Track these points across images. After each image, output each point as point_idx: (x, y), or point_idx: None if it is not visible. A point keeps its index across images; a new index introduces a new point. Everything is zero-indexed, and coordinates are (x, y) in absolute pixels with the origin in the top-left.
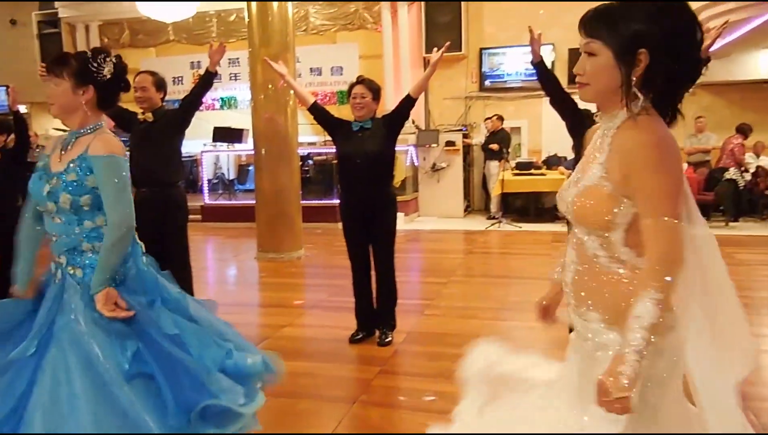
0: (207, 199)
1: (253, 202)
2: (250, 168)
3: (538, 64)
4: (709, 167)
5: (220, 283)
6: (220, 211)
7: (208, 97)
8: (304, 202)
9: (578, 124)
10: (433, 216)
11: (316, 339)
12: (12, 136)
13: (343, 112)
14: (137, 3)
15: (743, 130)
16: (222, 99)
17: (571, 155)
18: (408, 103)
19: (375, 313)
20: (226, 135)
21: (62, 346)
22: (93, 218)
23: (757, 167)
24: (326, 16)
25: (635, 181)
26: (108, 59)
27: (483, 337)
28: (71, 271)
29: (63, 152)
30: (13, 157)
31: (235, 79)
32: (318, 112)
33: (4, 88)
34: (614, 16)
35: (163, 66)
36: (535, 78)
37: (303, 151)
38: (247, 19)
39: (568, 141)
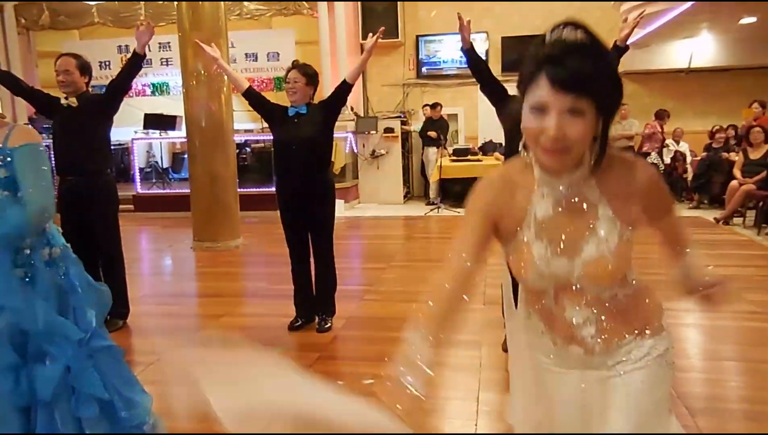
0: (139, 189)
1: (189, 190)
2: (185, 156)
3: (468, 50)
4: (633, 152)
5: (156, 273)
6: (153, 200)
7: (138, 83)
8: (242, 190)
9: (506, 109)
10: (373, 202)
11: (254, 327)
12: None
13: (280, 97)
14: None
15: (661, 116)
16: (153, 84)
17: None
18: (344, 88)
19: (314, 300)
20: (158, 122)
21: None
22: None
23: (676, 152)
24: (261, 2)
25: (653, 206)
26: None
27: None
28: (22, 275)
29: None
30: None
31: (167, 65)
32: (253, 98)
33: None
34: (599, 68)
35: (88, 49)
36: None
37: (239, 138)
38: (176, 2)
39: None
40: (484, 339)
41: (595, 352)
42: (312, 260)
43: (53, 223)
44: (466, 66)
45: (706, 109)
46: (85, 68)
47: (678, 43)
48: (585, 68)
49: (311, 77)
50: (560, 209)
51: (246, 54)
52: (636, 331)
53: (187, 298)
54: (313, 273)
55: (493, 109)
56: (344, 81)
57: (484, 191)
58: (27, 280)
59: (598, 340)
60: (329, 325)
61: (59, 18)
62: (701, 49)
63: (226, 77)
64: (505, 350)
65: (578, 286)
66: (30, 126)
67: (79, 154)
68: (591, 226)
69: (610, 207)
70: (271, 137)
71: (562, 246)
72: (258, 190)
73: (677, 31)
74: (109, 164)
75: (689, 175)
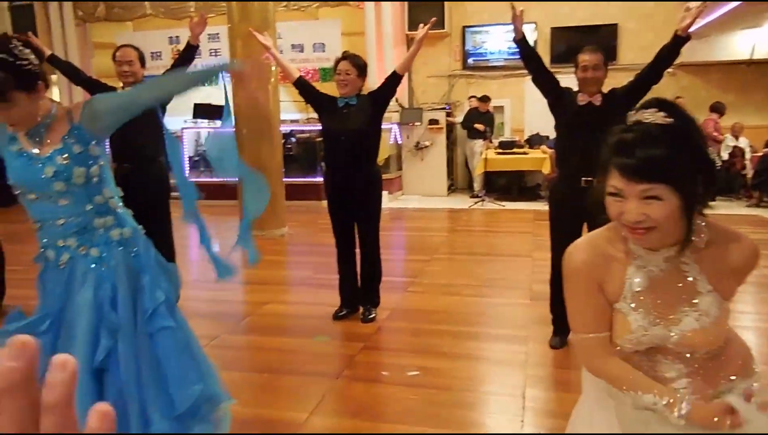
0: (188, 177)
1: (236, 179)
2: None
3: (521, 41)
4: None
5: (203, 260)
6: (201, 188)
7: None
8: (287, 179)
9: (559, 101)
10: (416, 194)
11: (299, 316)
12: None
13: (326, 88)
14: None
15: (717, 109)
16: None
17: (553, 134)
18: (394, 80)
19: (359, 290)
20: (206, 112)
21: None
22: (101, 191)
23: (734, 147)
24: None
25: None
26: (21, 47)
27: (464, 314)
28: (83, 252)
29: (39, 141)
30: None
31: (215, 55)
32: (303, 88)
33: None
34: (674, 154)
35: (141, 40)
36: (517, 56)
37: (286, 128)
38: None
39: (551, 120)
40: (530, 335)
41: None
42: (358, 251)
43: (124, 207)
44: (513, 57)
45: None
46: (142, 59)
47: (739, 33)
48: (656, 156)
49: (362, 68)
50: (658, 282)
51: (292, 45)
52: (730, 377)
53: (233, 285)
54: (358, 263)
55: (543, 101)
56: (394, 72)
57: (579, 258)
58: (100, 258)
59: (691, 392)
60: (374, 315)
61: (114, 10)
62: (764, 39)
63: (273, 68)
64: (553, 347)
65: (672, 349)
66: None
67: (135, 142)
68: (690, 299)
69: (710, 282)
70: (317, 128)
71: (658, 316)
72: (303, 179)
73: (739, 20)
74: (163, 152)
75: (749, 172)
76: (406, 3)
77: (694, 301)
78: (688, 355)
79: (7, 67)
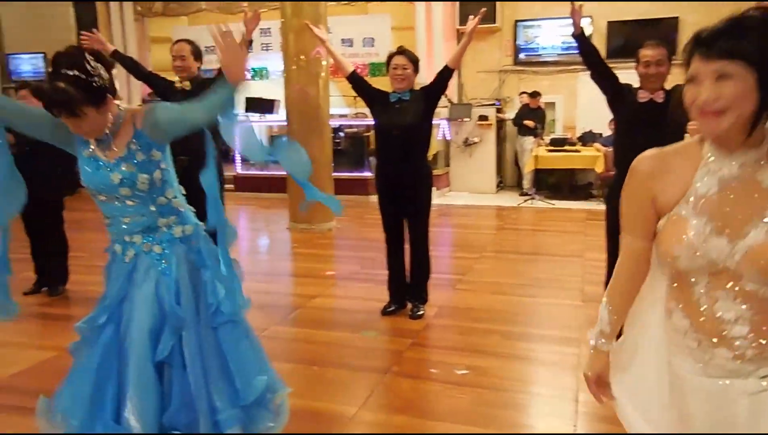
0: (239, 169)
1: (285, 172)
2: (283, 138)
3: (579, 36)
4: None
5: (253, 252)
6: (252, 181)
7: None
8: (335, 174)
9: (619, 98)
10: (464, 191)
11: (347, 310)
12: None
13: (375, 83)
14: None
15: None
16: (254, 69)
17: (607, 132)
18: (446, 74)
19: (407, 286)
20: (257, 105)
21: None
22: (164, 193)
23: None
24: None
25: None
26: (94, 63)
27: (514, 313)
28: (146, 249)
29: (107, 146)
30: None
31: (267, 50)
32: (356, 82)
33: (42, 55)
34: (758, 31)
35: (195, 35)
36: (571, 52)
37: (334, 123)
38: None
39: (604, 117)
40: (583, 337)
41: (745, 358)
42: (406, 247)
43: (186, 205)
44: (566, 53)
45: None
46: (198, 53)
47: None
48: (733, 33)
49: (416, 63)
50: (727, 188)
51: (342, 39)
52: None
53: (281, 277)
54: (407, 259)
55: (596, 97)
56: (446, 66)
57: (641, 166)
58: (163, 254)
59: (751, 343)
60: (422, 312)
61: (171, 5)
62: None
63: (324, 62)
64: None
65: (734, 274)
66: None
67: (191, 135)
68: (762, 212)
69: None
70: (366, 122)
71: (723, 226)
72: (351, 174)
73: None
74: (218, 145)
75: None
76: None
77: (765, 211)
78: (747, 291)
79: (79, 83)
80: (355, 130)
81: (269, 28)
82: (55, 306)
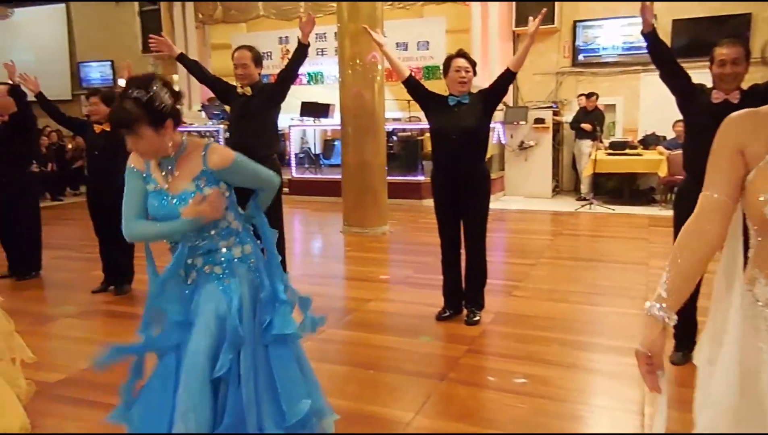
0: (294, 173)
1: (339, 176)
2: (336, 143)
3: (650, 33)
4: None
5: (307, 255)
6: (306, 184)
7: None
8: (388, 177)
9: (691, 99)
10: (519, 195)
11: (402, 314)
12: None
13: (429, 86)
14: None
15: None
16: (309, 74)
17: (671, 134)
18: (508, 77)
19: (462, 292)
20: (313, 110)
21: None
22: (225, 217)
23: None
24: None
25: None
26: (161, 87)
27: (573, 321)
28: (208, 271)
29: (169, 176)
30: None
31: (322, 54)
32: (413, 86)
33: (110, 62)
34: None
35: (253, 41)
36: (633, 52)
37: (388, 126)
38: None
39: (668, 119)
40: None
41: None
42: (462, 252)
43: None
44: (629, 53)
45: None
46: (258, 60)
47: None
48: None
49: (475, 66)
50: None
51: (396, 43)
52: None
53: (335, 280)
54: (462, 264)
55: (660, 99)
56: (507, 69)
57: (733, 122)
58: (223, 274)
59: None
60: (478, 318)
61: (230, 12)
62: None
63: (380, 66)
64: (674, 363)
65: None
66: (217, 141)
67: (252, 139)
68: None
69: None
70: (419, 126)
71: None
72: (403, 178)
73: None
74: (277, 149)
75: None
76: None
77: None
78: None
79: (141, 103)
80: (408, 133)
81: (324, 33)
82: (121, 304)
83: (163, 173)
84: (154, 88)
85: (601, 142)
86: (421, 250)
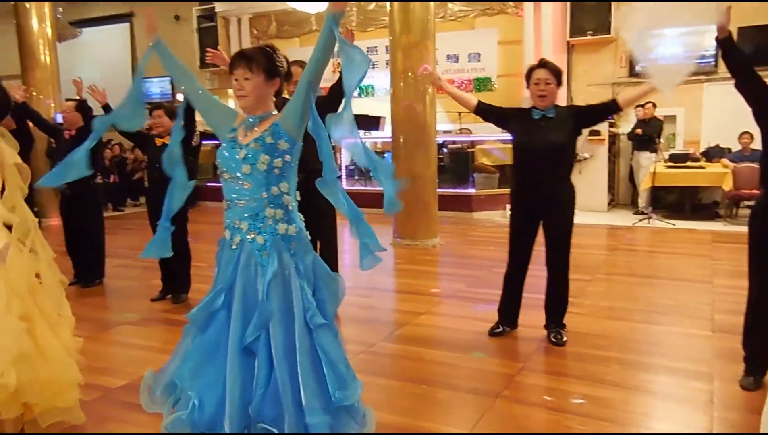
0: (345, 185)
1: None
2: (386, 155)
3: (726, 39)
4: None
5: (356, 266)
6: (357, 196)
7: None
8: (439, 190)
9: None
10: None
11: (454, 329)
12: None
13: (480, 98)
14: None
15: None
16: (360, 87)
17: (736, 146)
18: (611, 109)
19: (519, 309)
20: (364, 122)
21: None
22: (278, 184)
23: None
24: (465, 3)
25: None
26: (281, 56)
27: (633, 341)
28: (251, 237)
29: (248, 131)
30: (182, 142)
31: (373, 67)
32: (485, 111)
33: (169, 78)
34: None
35: (306, 55)
36: (696, 61)
37: (438, 139)
38: (388, 7)
39: (734, 131)
40: (716, 371)
41: None
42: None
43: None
44: (695, 62)
45: None
46: None
47: None
48: None
49: (560, 76)
50: None
51: (447, 55)
52: None
53: (385, 293)
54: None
55: (724, 109)
56: (615, 102)
57: None
58: (264, 246)
59: None
60: (566, 338)
61: (284, 28)
62: None
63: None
64: (745, 388)
65: None
66: None
67: (308, 153)
68: None
69: None
70: (469, 138)
71: None
72: (454, 190)
73: None
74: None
75: None
76: (568, 7)
77: None
78: None
79: (266, 53)
80: (458, 146)
81: (375, 47)
82: (179, 312)
83: (246, 130)
84: (277, 52)
85: (659, 153)
86: (472, 264)
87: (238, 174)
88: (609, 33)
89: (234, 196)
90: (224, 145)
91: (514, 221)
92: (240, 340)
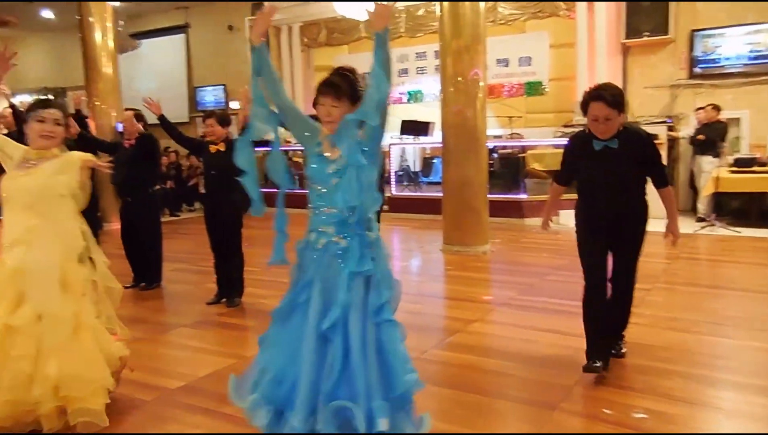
0: (394, 191)
1: (438, 194)
2: (435, 161)
3: None
4: None
5: (406, 273)
6: (406, 202)
7: (396, 91)
8: (489, 196)
9: None
10: None
11: (508, 337)
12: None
13: (530, 103)
14: (334, 3)
15: None
16: (409, 93)
17: None
18: (656, 186)
19: (611, 340)
20: (413, 128)
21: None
22: (360, 196)
23: None
24: (516, 6)
25: None
26: (360, 77)
27: (698, 354)
28: (335, 240)
29: (334, 146)
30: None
31: (422, 73)
32: (564, 179)
33: (222, 86)
34: None
35: (355, 62)
36: (761, 61)
37: (489, 144)
38: (438, 12)
39: None
40: None
41: None
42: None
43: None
44: (754, 62)
45: None
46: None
47: None
48: None
49: (620, 103)
50: None
51: (497, 60)
52: None
53: (435, 300)
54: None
55: None
56: (663, 188)
57: None
58: (348, 248)
59: None
60: (625, 350)
61: (334, 35)
62: None
63: (482, 83)
64: None
65: None
66: None
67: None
68: None
69: None
70: (520, 143)
71: None
72: (505, 196)
73: None
74: (381, 169)
75: None
76: (624, 8)
77: None
78: None
79: (349, 80)
80: (509, 151)
81: (424, 52)
82: (233, 316)
83: (332, 146)
84: (357, 76)
85: (722, 157)
86: (524, 271)
87: (327, 185)
88: (667, 34)
89: (321, 203)
90: (312, 158)
91: (582, 238)
92: (317, 328)
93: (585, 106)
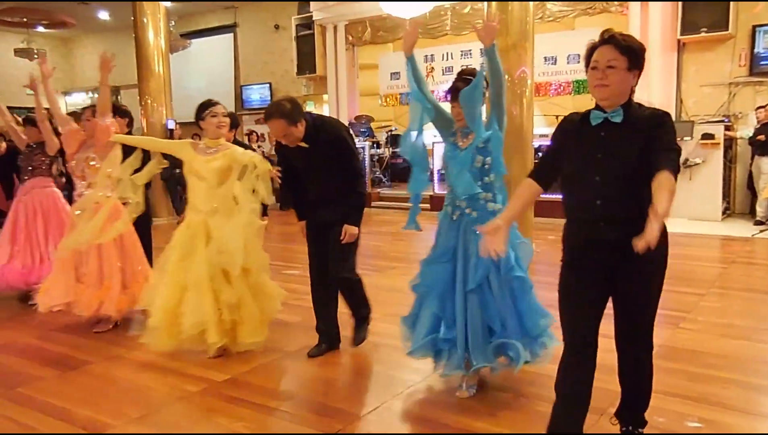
0: (437, 189)
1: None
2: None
3: None
4: None
5: None
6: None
7: (440, 91)
8: None
9: None
10: (682, 217)
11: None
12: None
13: (578, 101)
14: (381, 3)
15: None
16: None
17: None
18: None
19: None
20: None
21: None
22: (488, 174)
23: None
24: (565, 2)
25: None
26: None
27: (756, 362)
28: (468, 212)
29: (464, 138)
30: None
31: None
32: (548, 163)
33: (268, 84)
34: None
35: (400, 60)
36: None
37: (535, 143)
38: (485, 9)
39: None
40: None
41: None
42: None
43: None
44: None
45: None
46: None
47: None
48: None
49: (636, 56)
50: None
51: (545, 57)
52: None
53: None
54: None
55: None
56: (662, 174)
57: None
58: (478, 218)
59: None
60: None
61: (378, 33)
62: None
63: (529, 81)
64: None
65: None
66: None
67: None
68: None
69: None
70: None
71: None
72: (550, 196)
73: None
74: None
75: None
76: (680, 4)
77: None
78: None
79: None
80: None
81: (470, 50)
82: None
83: (461, 137)
84: (479, 74)
85: None
86: None
87: (463, 169)
88: (727, 29)
89: (456, 183)
90: (448, 146)
91: (565, 279)
92: (464, 285)
93: (588, 55)
